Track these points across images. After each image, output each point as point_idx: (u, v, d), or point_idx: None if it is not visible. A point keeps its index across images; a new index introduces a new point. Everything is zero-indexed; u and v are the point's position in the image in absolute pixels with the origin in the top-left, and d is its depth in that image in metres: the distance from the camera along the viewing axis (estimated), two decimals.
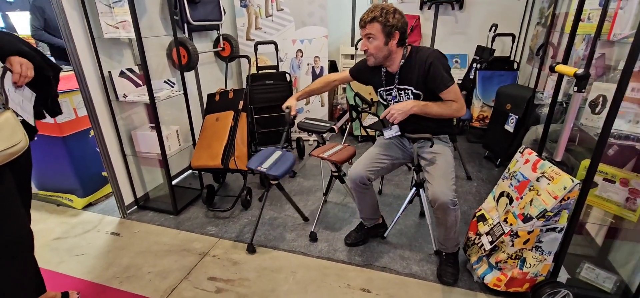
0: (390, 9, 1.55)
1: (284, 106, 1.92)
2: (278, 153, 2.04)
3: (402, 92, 1.69)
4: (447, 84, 1.55)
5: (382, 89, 1.78)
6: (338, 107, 4.02)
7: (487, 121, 3.35)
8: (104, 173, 2.29)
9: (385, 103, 1.84)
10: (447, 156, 1.68)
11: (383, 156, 1.77)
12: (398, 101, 1.71)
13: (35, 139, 1.36)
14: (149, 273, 1.84)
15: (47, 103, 1.36)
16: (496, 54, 3.45)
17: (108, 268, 1.89)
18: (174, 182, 2.77)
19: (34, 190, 2.54)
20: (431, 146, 1.71)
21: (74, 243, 2.11)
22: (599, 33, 1.44)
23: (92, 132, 2.15)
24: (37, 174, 2.50)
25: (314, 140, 3.45)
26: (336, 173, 2.05)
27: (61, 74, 1.41)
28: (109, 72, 2.10)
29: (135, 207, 2.46)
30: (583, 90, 1.31)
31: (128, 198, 2.39)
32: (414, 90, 1.65)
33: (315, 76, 3.41)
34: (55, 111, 1.38)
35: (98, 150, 2.19)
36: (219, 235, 2.13)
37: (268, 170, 1.90)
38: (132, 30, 1.84)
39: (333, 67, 4.23)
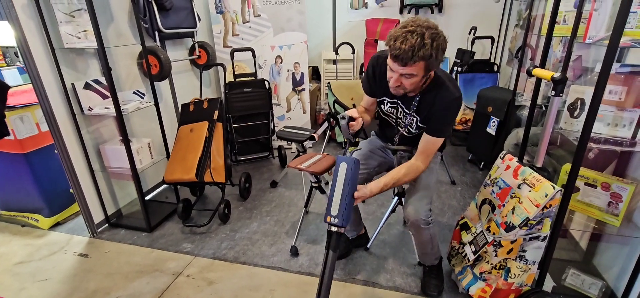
0: (439, 38, 1.17)
1: (343, 115, 1.38)
2: (343, 167, 1.23)
3: (408, 117, 1.49)
4: (440, 134, 1.40)
5: (392, 100, 1.50)
6: (322, 113, 3.95)
7: (470, 124, 3.34)
8: (72, 191, 2.16)
9: (387, 116, 1.60)
10: (428, 172, 1.55)
11: (362, 166, 1.70)
12: (405, 125, 1.53)
13: None
14: None
15: None
16: (476, 56, 3.45)
17: (73, 293, 1.76)
18: (149, 197, 2.66)
19: None
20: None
21: (38, 267, 1.96)
22: (575, 35, 1.42)
23: None
24: (0, 194, 2.34)
25: (296, 149, 3.37)
26: (316, 184, 1.98)
27: (21, 88, 1.30)
28: (72, 84, 1.98)
29: (107, 224, 2.32)
30: (561, 94, 1.27)
31: (98, 216, 2.26)
32: (419, 123, 1.47)
33: (295, 82, 3.34)
34: (2, 133, 1.26)
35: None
36: (195, 252, 2.03)
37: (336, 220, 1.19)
38: (95, 40, 1.73)
39: (315, 72, 4.18)
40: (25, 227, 2.35)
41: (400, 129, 1.58)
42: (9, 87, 1.28)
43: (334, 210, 1.18)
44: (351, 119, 1.36)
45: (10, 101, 1.99)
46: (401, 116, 1.53)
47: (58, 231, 2.30)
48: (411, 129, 1.52)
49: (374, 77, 1.50)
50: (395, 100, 1.50)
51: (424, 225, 1.45)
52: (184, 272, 1.88)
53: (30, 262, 2.01)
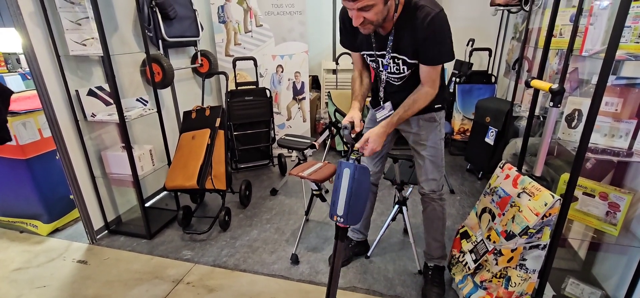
0: None
1: (344, 122, 1.36)
2: (346, 173, 1.20)
3: (392, 61, 1.37)
4: (437, 60, 1.28)
5: (370, 52, 1.42)
6: (321, 122, 3.98)
7: (468, 134, 3.38)
8: (72, 197, 2.15)
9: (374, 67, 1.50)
10: (434, 147, 1.51)
11: (376, 160, 1.71)
12: (390, 72, 1.42)
13: None
14: None
15: None
16: (474, 67, 3.51)
17: None
18: (149, 203, 2.66)
19: None
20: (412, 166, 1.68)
21: (36, 274, 1.95)
22: (571, 49, 1.46)
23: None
24: None
25: (296, 157, 3.39)
26: (317, 192, 1.99)
27: (24, 94, 1.31)
28: (77, 90, 1.99)
29: (106, 231, 2.31)
30: (559, 105, 1.31)
31: (97, 223, 2.25)
32: (408, 60, 1.33)
33: (296, 91, 3.38)
34: (4, 138, 1.27)
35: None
36: (195, 260, 2.02)
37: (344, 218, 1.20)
38: (100, 47, 1.76)
39: (315, 82, 4.22)
40: (24, 233, 2.34)
41: (385, 80, 1.47)
42: (11, 93, 1.29)
43: (340, 211, 1.20)
44: (353, 126, 1.34)
45: (13, 107, 2.00)
46: (382, 69, 1.43)
47: (57, 237, 2.29)
48: (400, 74, 1.40)
49: (345, 30, 1.45)
50: (373, 53, 1.41)
51: (437, 197, 1.52)
52: (183, 279, 1.87)
53: (28, 268, 2.00)
